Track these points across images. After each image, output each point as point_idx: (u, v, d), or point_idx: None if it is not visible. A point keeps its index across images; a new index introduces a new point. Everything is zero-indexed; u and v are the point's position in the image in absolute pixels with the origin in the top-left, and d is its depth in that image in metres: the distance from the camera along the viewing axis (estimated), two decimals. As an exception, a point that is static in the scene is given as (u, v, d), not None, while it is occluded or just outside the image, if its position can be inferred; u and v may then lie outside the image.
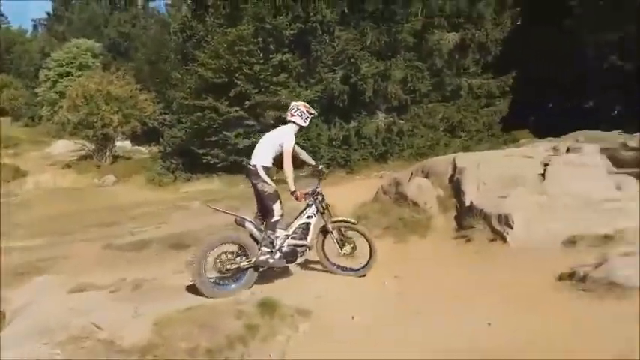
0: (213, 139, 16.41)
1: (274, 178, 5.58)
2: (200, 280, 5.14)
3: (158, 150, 21.00)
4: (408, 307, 4.75)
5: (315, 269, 6.12)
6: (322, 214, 5.73)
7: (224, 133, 16.09)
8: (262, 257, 5.35)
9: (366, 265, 5.77)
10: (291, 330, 4.35)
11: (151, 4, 40.70)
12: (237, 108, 15.81)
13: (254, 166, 5.53)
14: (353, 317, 4.53)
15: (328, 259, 5.87)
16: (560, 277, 4.89)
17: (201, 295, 5.09)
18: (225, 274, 5.34)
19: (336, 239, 5.74)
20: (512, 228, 6.26)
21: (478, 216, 6.85)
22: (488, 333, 4.00)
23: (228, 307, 4.55)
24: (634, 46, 19.64)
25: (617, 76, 20.46)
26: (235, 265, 5.32)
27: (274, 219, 5.42)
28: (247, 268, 5.38)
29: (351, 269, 5.85)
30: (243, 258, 5.36)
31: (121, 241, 9.03)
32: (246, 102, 15.71)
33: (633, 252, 4.71)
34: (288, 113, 5.77)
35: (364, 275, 5.76)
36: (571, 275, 4.79)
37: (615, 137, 13.08)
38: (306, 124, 5.82)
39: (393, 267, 6.03)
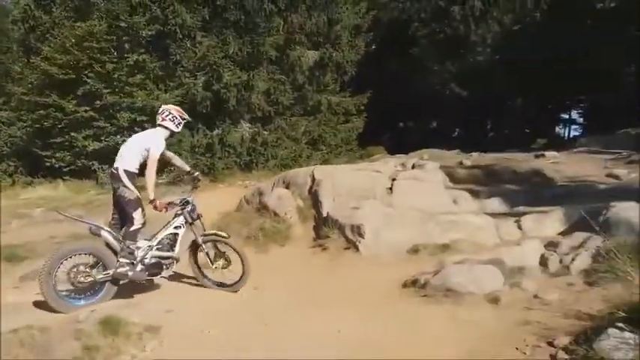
0: (59, 140, 14.83)
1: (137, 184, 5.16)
2: (49, 294, 4.62)
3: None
4: (263, 318, 4.71)
5: (170, 280, 5.82)
6: (191, 224, 5.37)
7: (71, 134, 14.65)
8: (121, 269, 4.91)
9: (239, 281, 5.48)
10: (137, 349, 4.03)
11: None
12: (87, 108, 14.49)
13: (116, 169, 5.07)
14: (209, 331, 4.36)
15: (201, 273, 5.57)
16: (405, 285, 5.28)
17: (54, 311, 4.59)
18: (79, 288, 4.84)
19: (207, 253, 5.43)
20: (363, 237, 6.63)
21: (334, 226, 7.16)
22: (338, 340, 4.12)
23: (64, 327, 4.08)
24: (470, 75, 22.33)
25: (457, 101, 23.07)
26: (90, 278, 4.84)
27: (134, 227, 5.00)
28: (105, 282, 4.92)
29: (224, 284, 5.56)
30: (100, 270, 4.90)
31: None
32: (97, 102, 14.50)
33: (466, 260, 5.24)
34: (159, 117, 5.35)
35: (236, 291, 5.51)
36: (414, 282, 5.19)
37: (454, 156, 14.68)
38: (179, 129, 5.46)
39: (252, 278, 5.95)
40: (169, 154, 5.60)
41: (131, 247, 4.98)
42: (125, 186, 5.00)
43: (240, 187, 12.93)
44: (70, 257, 4.83)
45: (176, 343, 4.18)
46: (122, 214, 5.15)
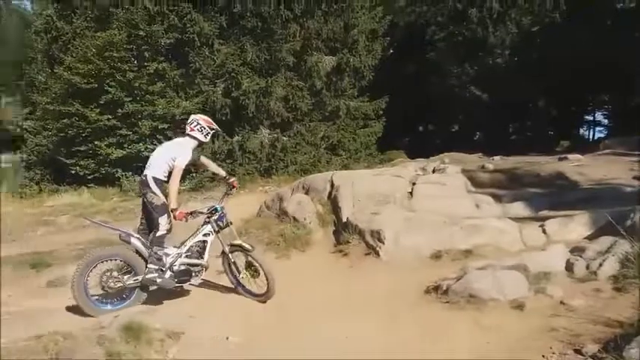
0: (82, 148, 15.13)
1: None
2: (81, 297, 4.73)
3: (21, 159, 18.86)
4: (284, 324, 4.71)
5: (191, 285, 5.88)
6: (217, 232, 5.34)
7: (94, 142, 14.92)
8: (149, 276, 4.95)
9: (265, 293, 5.38)
10: (160, 355, 4.06)
11: (14, 1, 36.64)
12: (109, 116, 14.76)
13: (145, 175, 5.15)
14: (228, 338, 4.37)
15: (235, 279, 5.54)
16: (427, 290, 5.22)
17: (85, 314, 4.69)
18: (109, 293, 4.93)
19: (235, 262, 5.42)
20: (384, 243, 6.58)
21: (353, 231, 7.13)
22: (359, 346, 4.09)
23: (87, 333, 4.13)
24: (489, 78, 22.11)
25: (478, 104, 22.85)
26: (120, 284, 4.92)
27: (159, 233, 5.03)
28: (134, 287, 4.99)
29: (252, 293, 5.51)
30: (129, 276, 4.97)
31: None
32: (119, 110, 14.75)
33: (489, 265, 5.15)
34: (187, 127, 5.37)
35: (264, 302, 5.39)
36: (436, 288, 5.12)
37: (476, 160, 14.52)
38: (207, 139, 5.47)
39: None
40: (205, 160, 5.71)
41: (159, 252, 5.02)
42: (153, 192, 5.06)
43: (261, 192, 13.01)
44: (102, 262, 4.93)
45: (198, 349, 4.19)
46: (149, 220, 5.23)
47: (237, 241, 5.53)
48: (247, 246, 5.46)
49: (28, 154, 17.73)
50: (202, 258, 5.27)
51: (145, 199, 5.15)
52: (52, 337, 4.01)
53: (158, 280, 5.01)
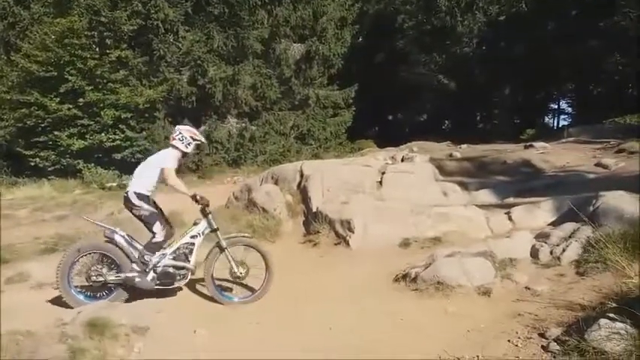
0: (42, 139, 14.63)
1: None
2: (64, 288, 4.64)
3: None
4: (251, 316, 4.64)
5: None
6: (215, 231, 5.14)
7: (55, 132, 14.43)
8: (130, 274, 4.85)
9: (263, 285, 5.17)
10: (125, 350, 3.94)
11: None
12: (70, 106, 14.27)
13: (127, 192, 5.06)
14: (195, 331, 4.27)
15: (217, 287, 5.20)
16: (396, 279, 5.24)
17: (68, 306, 4.57)
18: (92, 286, 4.83)
19: (232, 258, 5.14)
20: (353, 232, 6.58)
21: (323, 221, 7.12)
22: (330, 336, 4.07)
23: (49, 330, 3.97)
24: (457, 67, 22.37)
25: (446, 93, 23.11)
26: (101, 279, 4.80)
27: (155, 240, 4.96)
28: (117, 284, 4.88)
29: (245, 296, 5.25)
30: (112, 272, 4.85)
31: None
32: (80, 99, 14.28)
33: (456, 253, 5.20)
34: (170, 137, 5.28)
35: (259, 298, 5.14)
36: (405, 276, 5.15)
37: (444, 148, 14.68)
38: (189, 150, 5.26)
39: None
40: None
41: (146, 257, 4.93)
42: (137, 206, 4.98)
43: (229, 183, 12.84)
44: (88, 254, 4.85)
45: (165, 344, 4.09)
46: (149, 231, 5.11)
47: (234, 233, 5.51)
48: (246, 233, 5.57)
49: (-16, 145, 17.04)
50: (189, 261, 5.06)
51: (135, 215, 5.06)
52: (11, 337, 3.84)
53: (137, 280, 4.88)
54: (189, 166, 15.05)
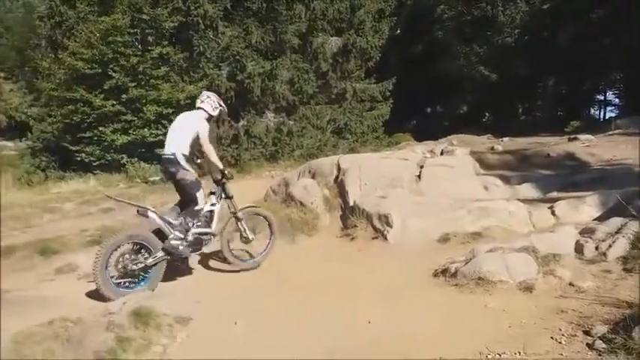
0: (88, 134, 15.15)
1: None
2: (104, 283, 4.77)
3: (27, 146, 18.94)
4: (292, 309, 4.70)
5: (196, 271, 5.93)
6: (230, 198, 5.72)
7: (99, 128, 14.92)
8: (174, 242, 5.09)
9: (267, 248, 6.04)
10: (169, 340, 4.07)
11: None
12: (114, 102, 14.74)
13: (173, 154, 5.19)
14: (236, 322, 4.37)
15: (230, 250, 5.80)
16: (435, 274, 5.19)
17: (106, 299, 4.69)
18: (128, 275, 4.99)
19: (245, 228, 5.83)
20: (391, 227, 6.53)
21: (361, 215, 7.09)
22: (368, 330, 4.08)
23: (96, 319, 4.13)
24: (498, 57, 21.81)
25: (486, 85, 22.58)
26: (141, 265, 4.99)
27: (197, 207, 5.29)
28: (152, 266, 5.06)
29: (252, 258, 6.02)
30: (147, 255, 5.04)
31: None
32: (124, 96, 14.71)
33: (498, 248, 5.10)
34: (198, 100, 5.68)
35: (259, 264, 5.94)
36: (444, 271, 5.09)
37: (484, 141, 14.41)
38: (215, 113, 5.68)
39: (280, 268, 5.98)
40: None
41: (189, 224, 5.25)
42: (184, 169, 5.20)
43: (267, 177, 12.98)
44: (119, 247, 4.97)
45: (206, 334, 4.21)
46: (184, 197, 5.39)
47: (243, 205, 6.04)
48: (254, 205, 6.31)
49: (34, 140, 17.80)
50: (210, 227, 5.52)
51: (176, 178, 5.24)
52: (62, 323, 4.01)
53: (180, 248, 5.16)
54: (229, 161, 15.31)
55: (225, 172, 5.56)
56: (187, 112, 5.71)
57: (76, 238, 7.99)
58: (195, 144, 5.35)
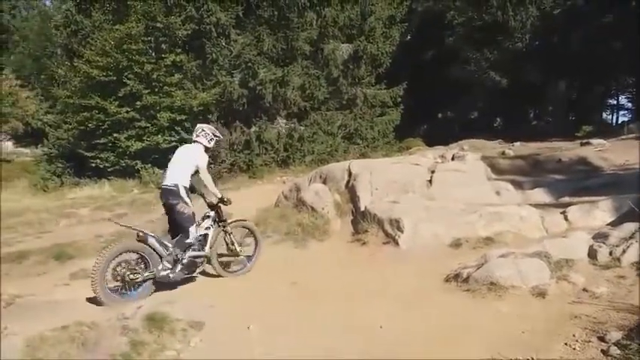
0: (102, 141, 15.37)
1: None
2: (101, 290, 4.90)
3: (43, 152, 19.25)
4: (304, 313, 4.73)
5: (208, 276, 6.01)
6: (223, 221, 5.95)
7: (114, 134, 15.12)
8: (163, 273, 5.30)
9: (252, 255, 6.27)
10: (182, 344, 4.12)
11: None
12: (128, 109, 14.93)
13: (175, 185, 5.47)
14: (249, 327, 4.41)
15: (218, 260, 5.99)
16: (447, 279, 5.19)
17: (103, 305, 4.82)
18: (125, 284, 5.15)
19: (233, 239, 6.06)
20: (402, 232, 6.53)
21: (372, 220, 7.10)
22: (380, 335, 4.09)
23: (111, 323, 4.20)
24: (509, 63, 21.70)
25: (497, 90, 22.47)
26: (138, 276, 5.17)
27: (189, 240, 5.48)
28: (147, 279, 5.25)
29: (241, 267, 6.22)
30: (144, 268, 5.23)
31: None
32: (138, 103, 14.89)
33: (510, 253, 5.09)
34: (194, 134, 5.92)
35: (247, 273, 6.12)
36: (456, 276, 5.09)
37: (496, 146, 14.36)
38: (211, 145, 5.98)
39: (291, 273, 6.02)
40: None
41: (178, 255, 5.41)
42: (184, 202, 5.45)
43: (279, 182, 13.03)
44: (119, 255, 5.12)
45: (219, 339, 4.24)
46: (177, 227, 5.56)
47: (234, 219, 6.36)
48: (242, 219, 6.48)
49: (50, 147, 18.05)
50: (204, 250, 5.71)
51: (175, 209, 5.45)
52: (77, 328, 4.08)
53: (171, 276, 5.35)
54: (241, 166, 15.41)
55: (225, 199, 5.79)
56: (186, 146, 6.01)
57: (90, 243, 8.12)
58: (194, 176, 5.67)
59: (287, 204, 8.91)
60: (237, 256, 6.16)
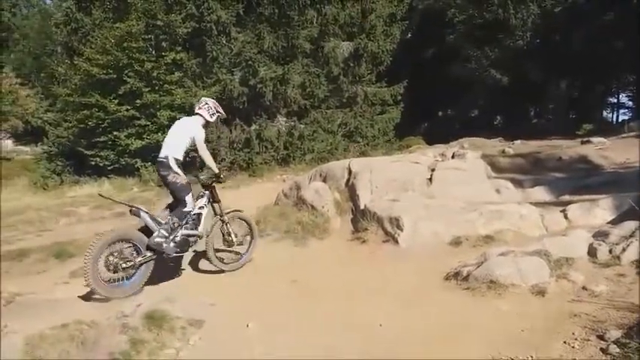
0: (102, 139, 15.33)
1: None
2: (96, 282, 4.84)
3: (43, 150, 19.25)
4: (304, 312, 4.73)
5: (209, 273, 6.02)
6: (218, 202, 5.91)
7: (114, 133, 15.10)
8: (158, 239, 5.20)
9: (248, 249, 6.23)
10: (182, 343, 4.13)
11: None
12: (128, 107, 14.90)
13: (165, 157, 5.44)
14: (248, 325, 4.41)
15: (214, 252, 5.92)
16: (447, 277, 5.19)
17: (104, 298, 4.81)
18: (119, 273, 5.06)
19: (230, 231, 6.01)
20: (402, 230, 6.53)
21: (372, 218, 7.09)
22: (380, 333, 4.10)
23: (111, 322, 4.21)
24: (510, 61, 21.69)
25: (498, 88, 22.46)
26: (130, 263, 5.08)
27: (186, 209, 5.46)
28: (140, 265, 5.17)
29: (237, 259, 6.16)
30: (135, 254, 5.16)
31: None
32: (138, 101, 14.88)
33: (510, 252, 5.09)
34: (196, 106, 5.91)
35: (250, 260, 6.19)
36: (456, 275, 5.09)
37: (496, 144, 14.35)
38: (212, 119, 5.95)
39: (291, 271, 6.03)
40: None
41: (175, 224, 5.37)
42: (175, 172, 5.40)
43: (278, 181, 13.04)
44: (109, 245, 5.04)
45: (219, 337, 4.25)
46: (175, 199, 5.56)
47: (230, 209, 6.22)
48: (238, 209, 6.31)
49: (50, 145, 18.04)
50: (197, 229, 5.66)
51: (167, 181, 5.44)
52: (77, 326, 4.08)
53: (164, 245, 5.26)
54: (240, 165, 15.41)
55: (221, 175, 5.82)
56: (186, 118, 5.93)
57: (90, 241, 8.10)
58: (190, 149, 5.61)
59: (287, 202, 8.90)
60: (232, 245, 6.09)
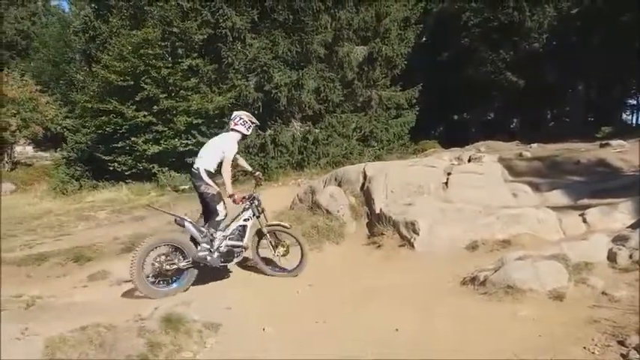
0: (120, 144, 15.62)
1: (217, 181, 5.72)
2: (141, 282, 5.13)
3: (62, 156, 19.61)
4: (320, 316, 4.73)
5: (227, 278, 6.03)
6: (258, 217, 5.95)
7: (131, 138, 15.32)
8: (201, 253, 5.44)
9: (298, 266, 6.03)
10: (198, 346, 4.15)
11: (53, 2, 37.74)
12: (145, 113, 15.12)
13: (197, 169, 5.65)
14: (264, 329, 4.43)
15: (262, 260, 6.09)
16: (464, 282, 5.15)
17: (146, 297, 5.01)
18: (164, 275, 5.36)
19: (270, 242, 6.01)
20: (418, 234, 6.51)
21: (387, 223, 7.07)
22: (396, 338, 4.08)
23: (129, 325, 4.26)
24: (526, 63, 21.50)
25: (514, 91, 22.26)
26: (174, 266, 5.36)
27: (218, 218, 5.59)
28: (186, 269, 5.44)
29: (284, 269, 6.10)
30: (181, 259, 5.41)
31: (17, 255, 8.24)
32: (155, 107, 15.07)
33: (527, 256, 5.04)
34: (231, 122, 5.97)
35: (296, 275, 6.00)
36: (473, 279, 5.04)
37: (513, 148, 14.21)
38: (249, 132, 6.05)
39: (307, 275, 6.02)
40: (236, 156, 6.04)
41: (213, 235, 5.56)
42: (206, 183, 5.58)
43: (294, 185, 13.07)
44: (156, 247, 5.34)
45: (235, 340, 4.27)
46: (206, 208, 5.75)
47: (275, 222, 6.35)
48: (285, 224, 6.23)
49: (69, 151, 18.36)
50: (242, 240, 5.81)
51: (200, 190, 5.64)
52: (95, 329, 4.14)
53: (208, 259, 5.50)
54: (256, 169, 15.46)
55: (234, 197, 5.62)
56: (225, 134, 6.03)
57: (108, 245, 8.23)
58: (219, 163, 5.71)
59: (302, 206, 8.91)
60: (278, 256, 6.08)
